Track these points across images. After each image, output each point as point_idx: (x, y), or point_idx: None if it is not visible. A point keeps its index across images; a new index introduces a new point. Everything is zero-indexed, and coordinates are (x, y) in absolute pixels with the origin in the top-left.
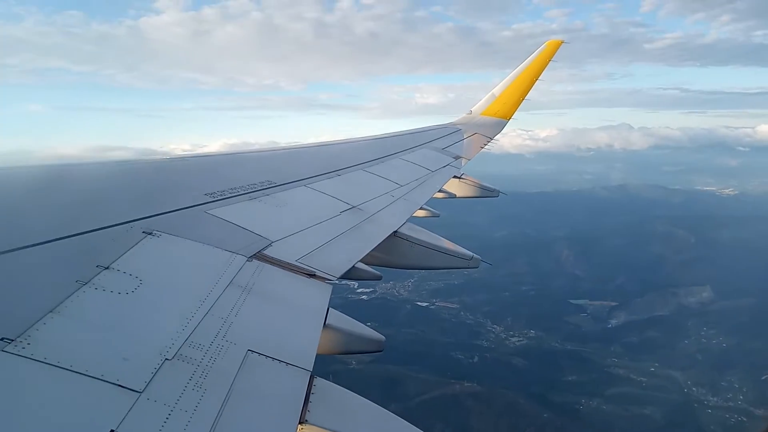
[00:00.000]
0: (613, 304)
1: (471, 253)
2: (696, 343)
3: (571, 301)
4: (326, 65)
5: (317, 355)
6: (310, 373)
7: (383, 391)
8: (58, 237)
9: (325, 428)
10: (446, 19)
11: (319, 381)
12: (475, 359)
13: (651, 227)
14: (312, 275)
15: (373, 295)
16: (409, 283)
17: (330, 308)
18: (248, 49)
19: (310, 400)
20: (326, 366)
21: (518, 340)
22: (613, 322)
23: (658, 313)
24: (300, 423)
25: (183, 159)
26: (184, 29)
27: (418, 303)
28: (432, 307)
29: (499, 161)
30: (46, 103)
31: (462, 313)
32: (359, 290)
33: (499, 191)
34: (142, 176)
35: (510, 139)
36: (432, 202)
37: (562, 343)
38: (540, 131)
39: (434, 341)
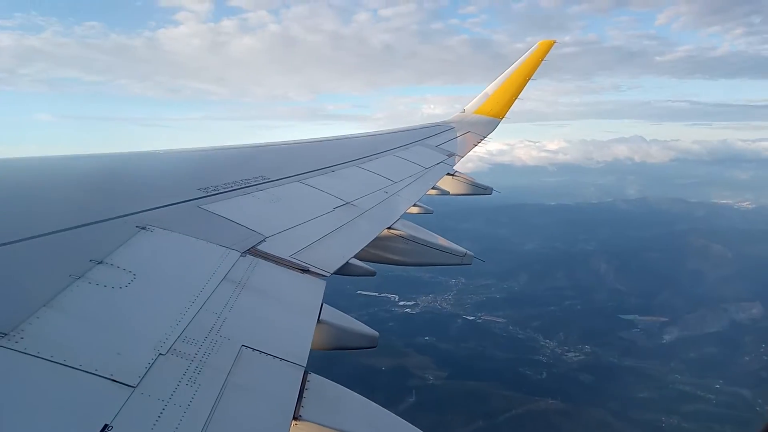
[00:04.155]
0: (664, 319)
1: (464, 250)
2: (757, 360)
3: (621, 316)
4: (337, 77)
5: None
6: (304, 368)
7: (467, 408)
8: (51, 231)
9: (319, 424)
10: (462, 31)
11: (312, 377)
12: (544, 375)
13: (683, 241)
14: (306, 270)
15: (417, 309)
16: (450, 296)
17: (324, 304)
18: (262, 61)
19: (304, 395)
20: (405, 380)
21: (575, 356)
22: (667, 337)
23: (711, 329)
24: (294, 419)
25: (176, 153)
26: (201, 41)
27: (465, 317)
28: (479, 321)
29: (511, 173)
30: (54, 112)
31: (511, 327)
32: (401, 303)
33: (492, 189)
34: (136, 170)
35: (525, 150)
36: (426, 199)
37: (620, 359)
38: (547, 143)
39: (494, 356)
